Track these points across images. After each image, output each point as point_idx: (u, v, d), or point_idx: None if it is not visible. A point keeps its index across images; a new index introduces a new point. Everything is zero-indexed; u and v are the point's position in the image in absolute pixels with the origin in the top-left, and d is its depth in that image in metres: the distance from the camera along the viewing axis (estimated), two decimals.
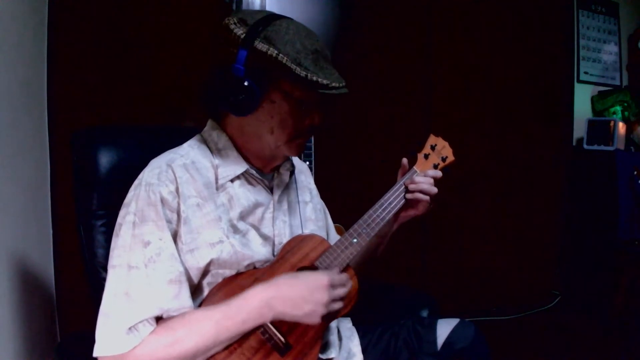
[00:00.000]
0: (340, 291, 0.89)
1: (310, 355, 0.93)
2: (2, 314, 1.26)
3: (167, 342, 0.81)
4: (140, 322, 0.80)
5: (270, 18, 0.88)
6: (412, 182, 1.04)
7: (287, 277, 0.87)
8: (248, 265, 0.92)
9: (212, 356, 0.86)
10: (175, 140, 1.01)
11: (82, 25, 1.86)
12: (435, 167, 1.08)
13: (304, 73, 0.84)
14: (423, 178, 1.04)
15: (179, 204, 0.87)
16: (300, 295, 0.84)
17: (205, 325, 0.82)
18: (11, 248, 1.37)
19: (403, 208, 1.07)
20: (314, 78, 0.84)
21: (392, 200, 1.04)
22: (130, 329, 0.79)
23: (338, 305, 0.89)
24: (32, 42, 1.67)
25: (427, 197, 1.03)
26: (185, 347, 0.81)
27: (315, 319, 0.86)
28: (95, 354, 0.80)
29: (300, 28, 0.89)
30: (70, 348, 0.99)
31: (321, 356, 0.98)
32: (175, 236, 0.87)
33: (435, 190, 1.04)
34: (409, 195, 1.04)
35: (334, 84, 0.86)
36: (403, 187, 1.05)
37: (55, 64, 1.79)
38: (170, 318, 0.83)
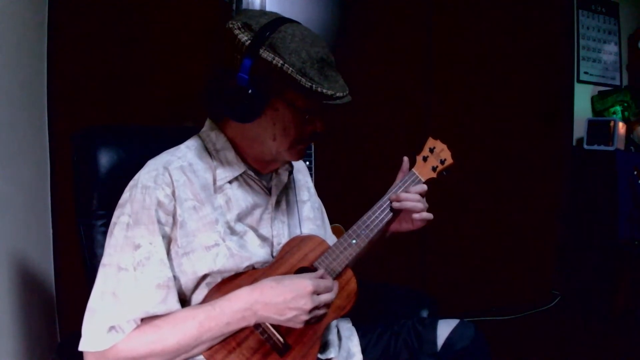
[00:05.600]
0: (325, 297, 0.89)
1: (310, 355, 0.93)
2: (2, 314, 1.26)
3: (150, 340, 0.81)
4: (124, 321, 0.81)
5: (276, 23, 0.86)
6: (397, 199, 1.03)
7: (272, 282, 0.87)
8: (247, 267, 0.92)
9: (211, 356, 0.86)
10: (175, 140, 1.01)
11: (82, 25, 1.86)
12: (434, 169, 1.09)
13: (309, 84, 0.83)
14: (407, 195, 1.03)
15: (175, 207, 0.87)
16: (284, 301, 0.85)
17: (189, 325, 0.83)
18: (11, 248, 1.37)
19: (397, 221, 1.07)
20: (319, 89, 0.84)
21: (389, 203, 1.04)
22: (112, 327, 0.80)
23: (323, 311, 0.90)
24: (32, 42, 1.67)
25: (416, 213, 1.03)
26: (166, 345, 0.82)
27: (298, 324, 0.87)
28: (79, 349, 0.82)
29: (306, 34, 0.87)
30: (70, 348, 0.99)
31: (320, 356, 0.99)
32: (170, 240, 0.87)
33: (421, 206, 1.03)
34: (395, 205, 1.03)
35: (338, 94, 0.86)
36: (395, 196, 1.05)
37: (55, 64, 1.79)
38: (156, 316, 0.84)
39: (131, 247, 0.84)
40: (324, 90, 0.84)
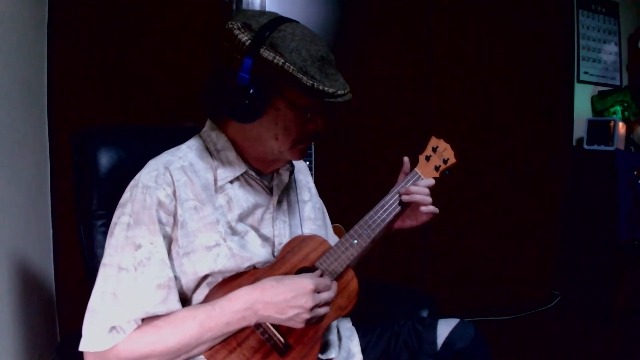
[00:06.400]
0: (325, 295, 0.90)
1: (310, 355, 0.93)
2: (2, 314, 1.26)
3: (150, 340, 0.82)
4: (125, 322, 0.81)
5: (275, 22, 0.86)
6: (406, 192, 1.04)
7: (272, 281, 0.87)
8: (248, 267, 0.92)
9: (212, 355, 0.86)
10: (176, 140, 1.00)
11: (82, 26, 1.86)
12: (437, 169, 1.09)
13: (310, 82, 0.83)
14: (417, 188, 1.03)
15: (175, 208, 0.87)
16: (284, 300, 0.85)
17: (190, 325, 0.83)
18: (11, 248, 1.37)
19: (401, 218, 1.08)
20: (320, 87, 0.84)
21: (393, 202, 1.04)
22: (113, 327, 0.80)
23: (324, 310, 0.90)
24: (32, 42, 1.67)
25: (424, 206, 1.03)
26: (167, 345, 0.82)
27: (299, 324, 0.87)
28: (80, 349, 0.82)
29: (306, 33, 0.87)
30: (70, 348, 0.99)
31: (321, 356, 0.99)
32: (171, 240, 0.87)
33: (429, 199, 1.03)
34: (404, 198, 1.03)
35: (339, 92, 0.86)
36: (404, 189, 1.05)
37: (55, 64, 1.79)
38: (157, 316, 0.84)
39: (132, 247, 0.83)
40: (326, 88, 0.84)
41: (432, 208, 1.03)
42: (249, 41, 0.83)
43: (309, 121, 0.92)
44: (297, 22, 0.90)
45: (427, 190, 1.04)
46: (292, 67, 0.82)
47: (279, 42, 0.83)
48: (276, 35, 0.84)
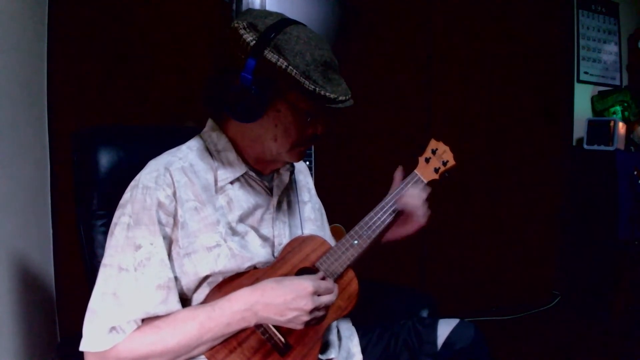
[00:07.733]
0: (325, 299, 0.90)
1: (310, 355, 0.93)
2: (2, 314, 1.26)
3: (150, 341, 0.82)
4: (125, 322, 0.81)
5: (281, 24, 0.85)
6: (399, 199, 1.06)
7: (273, 282, 0.88)
8: (249, 267, 0.92)
9: (213, 355, 0.87)
10: (176, 140, 1.00)
11: (82, 26, 1.86)
12: (436, 170, 1.09)
13: (313, 87, 0.83)
14: (409, 193, 1.06)
15: (175, 208, 0.87)
16: (284, 302, 0.85)
17: (189, 326, 0.83)
18: (11, 248, 1.37)
19: (395, 226, 1.09)
20: (322, 92, 0.84)
21: (393, 204, 1.05)
22: (113, 328, 0.81)
23: (322, 312, 0.90)
24: (32, 42, 1.67)
25: (417, 210, 1.05)
26: (167, 346, 0.82)
27: (299, 325, 0.87)
28: (80, 349, 0.82)
29: (311, 36, 0.87)
30: (70, 348, 0.99)
31: (321, 356, 0.99)
32: (171, 240, 0.87)
33: (422, 206, 1.05)
34: (398, 206, 1.05)
35: (340, 98, 0.86)
36: (405, 190, 1.06)
37: (55, 64, 1.79)
38: (157, 317, 0.84)
39: (132, 248, 0.84)
40: (327, 94, 0.84)
41: (422, 214, 1.05)
42: (254, 42, 0.83)
43: (309, 125, 0.92)
44: (304, 24, 0.90)
45: (419, 196, 1.06)
46: (295, 70, 0.82)
47: (283, 45, 0.83)
48: (281, 37, 0.84)
